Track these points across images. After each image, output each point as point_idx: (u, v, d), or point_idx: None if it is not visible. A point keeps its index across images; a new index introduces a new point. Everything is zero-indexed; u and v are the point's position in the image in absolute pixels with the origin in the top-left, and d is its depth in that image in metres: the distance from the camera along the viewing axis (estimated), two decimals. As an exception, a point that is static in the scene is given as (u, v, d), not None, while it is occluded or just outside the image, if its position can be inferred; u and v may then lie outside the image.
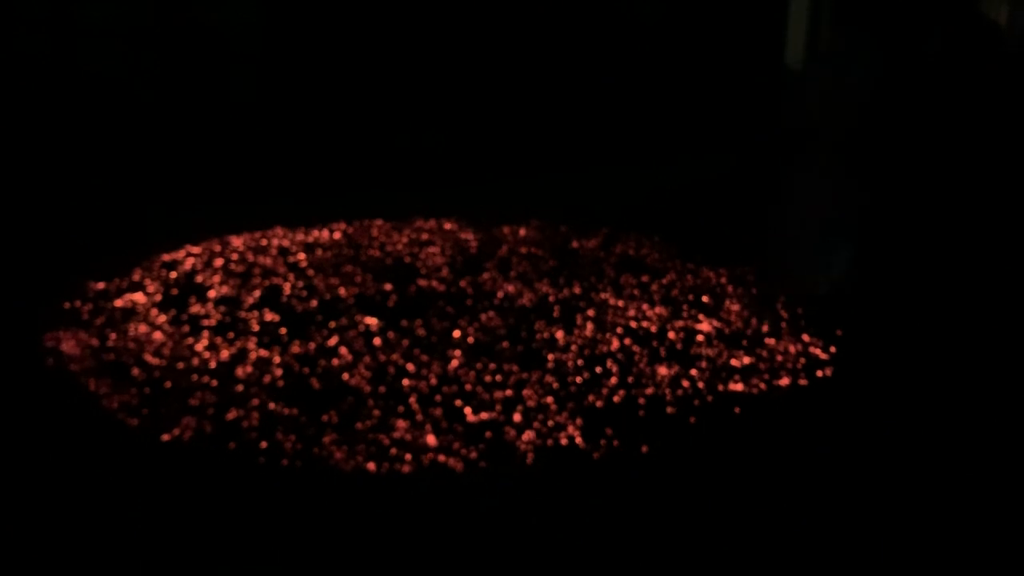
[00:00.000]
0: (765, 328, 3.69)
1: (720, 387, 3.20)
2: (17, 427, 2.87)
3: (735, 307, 3.89)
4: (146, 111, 5.71)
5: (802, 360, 3.43)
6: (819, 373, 3.34)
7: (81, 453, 2.76)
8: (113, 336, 3.48)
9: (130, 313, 3.69)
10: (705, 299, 3.96)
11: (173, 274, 4.09)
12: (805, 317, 3.79)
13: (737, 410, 3.07)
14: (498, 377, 3.23)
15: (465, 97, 6.16)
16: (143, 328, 3.55)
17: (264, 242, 4.51)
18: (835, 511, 2.54)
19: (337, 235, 4.65)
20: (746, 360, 3.41)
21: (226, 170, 5.48)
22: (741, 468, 2.75)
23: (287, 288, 3.98)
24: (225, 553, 2.32)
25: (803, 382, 3.27)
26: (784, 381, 3.27)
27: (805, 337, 3.61)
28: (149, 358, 3.31)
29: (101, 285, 3.94)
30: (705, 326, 3.69)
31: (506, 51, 6.20)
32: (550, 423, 2.94)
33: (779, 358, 3.44)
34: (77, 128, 5.52)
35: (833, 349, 3.52)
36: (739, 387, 3.21)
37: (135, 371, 3.21)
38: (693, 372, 3.30)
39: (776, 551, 2.36)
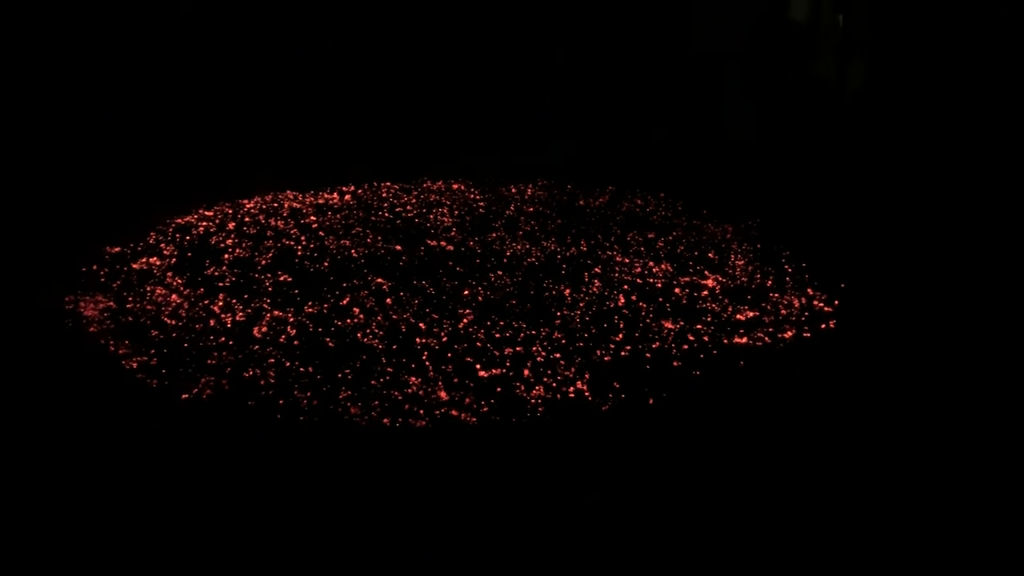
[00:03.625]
0: (769, 283, 3.74)
1: (725, 341, 3.27)
2: (40, 389, 2.96)
3: (740, 262, 3.94)
4: (163, 83, 5.74)
5: (806, 313, 3.48)
6: (822, 326, 3.40)
7: (103, 413, 2.84)
8: (131, 299, 3.56)
9: (147, 276, 3.77)
10: (710, 255, 4.01)
11: (188, 237, 4.16)
12: (809, 271, 3.84)
13: (742, 363, 3.14)
14: (507, 334, 3.30)
15: (468, 72, 6.17)
16: (160, 290, 3.63)
17: (276, 205, 4.57)
18: (838, 462, 2.61)
19: (347, 197, 4.70)
20: (750, 314, 3.47)
21: (238, 135, 5.52)
22: (746, 419, 2.83)
23: (299, 250, 4.04)
24: (246, 507, 2.41)
25: (807, 335, 3.33)
26: (788, 334, 3.33)
27: (809, 291, 3.67)
28: (167, 320, 3.39)
29: (117, 249, 4.01)
30: (710, 281, 3.75)
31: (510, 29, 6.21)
32: (559, 378, 3.02)
33: (783, 312, 3.49)
34: (95, 101, 5.56)
35: (836, 302, 3.57)
36: (743, 340, 3.27)
37: (154, 332, 3.29)
38: (698, 326, 3.37)
39: (780, 501, 2.44)
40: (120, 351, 3.16)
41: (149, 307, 3.49)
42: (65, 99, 5.48)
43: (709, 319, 3.42)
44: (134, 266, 3.86)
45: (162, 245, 4.08)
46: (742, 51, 5.83)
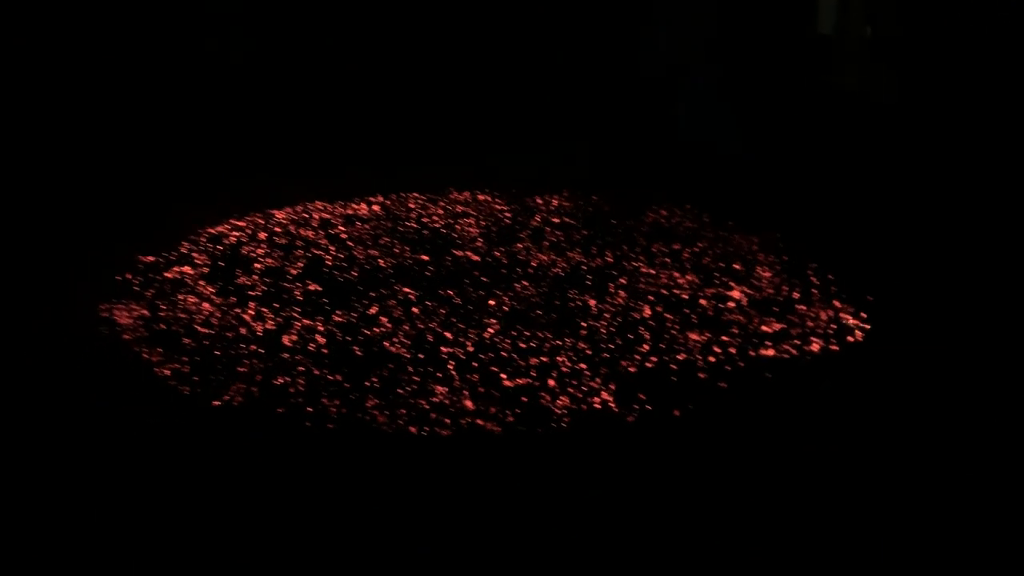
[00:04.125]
0: (796, 295, 3.74)
1: (751, 353, 3.27)
2: (74, 395, 3.02)
3: (766, 274, 3.93)
4: (187, 91, 5.84)
5: (833, 326, 3.47)
6: (850, 339, 3.39)
7: (135, 419, 2.90)
8: (163, 307, 3.62)
9: (179, 285, 3.83)
10: (736, 266, 4.01)
11: (219, 247, 4.23)
12: (836, 283, 3.83)
13: (768, 375, 3.13)
14: (532, 344, 3.32)
15: (488, 68, 6.21)
16: (192, 299, 3.69)
17: (305, 215, 4.63)
18: (865, 476, 2.60)
19: (376, 208, 4.75)
20: (777, 326, 3.46)
21: (264, 148, 5.59)
22: (772, 432, 2.82)
23: (329, 259, 4.09)
24: (274, 512, 2.44)
25: (834, 348, 3.32)
26: (815, 347, 3.32)
27: (836, 303, 3.65)
28: (199, 328, 3.44)
29: (150, 258, 4.08)
30: (736, 293, 3.74)
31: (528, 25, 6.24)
32: (584, 388, 3.03)
33: (810, 324, 3.49)
34: (125, 108, 5.66)
35: (864, 315, 3.56)
36: (770, 353, 3.27)
37: (186, 340, 3.34)
38: (724, 338, 3.37)
39: (805, 515, 2.44)
40: (153, 358, 3.22)
41: (181, 315, 3.55)
42: (97, 110, 5.59)
43: (735, 331, 3.42)
44: (167, 275, 3.93)
45: (194, 254, 4.14)
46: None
